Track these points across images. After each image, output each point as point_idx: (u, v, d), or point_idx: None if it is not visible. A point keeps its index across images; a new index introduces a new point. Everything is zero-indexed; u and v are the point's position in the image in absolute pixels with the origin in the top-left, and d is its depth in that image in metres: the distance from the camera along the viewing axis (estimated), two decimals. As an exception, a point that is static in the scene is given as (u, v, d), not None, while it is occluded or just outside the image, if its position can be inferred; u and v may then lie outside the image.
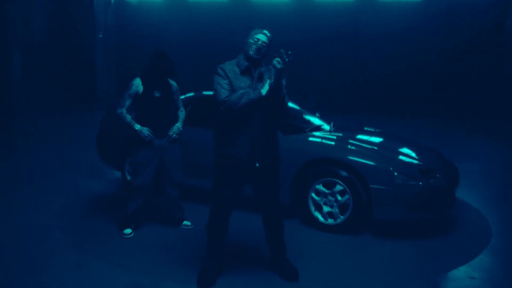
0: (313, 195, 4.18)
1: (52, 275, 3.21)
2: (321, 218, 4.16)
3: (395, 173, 3.91)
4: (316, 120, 5.30)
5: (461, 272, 3.39)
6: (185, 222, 4.22)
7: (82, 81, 15.18)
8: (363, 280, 3.24)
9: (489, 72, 15.51)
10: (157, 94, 3.91)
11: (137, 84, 3.89)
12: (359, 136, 4.89)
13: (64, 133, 10.14)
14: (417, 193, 3.90)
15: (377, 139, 4.89)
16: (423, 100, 16.74)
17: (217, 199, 3.10)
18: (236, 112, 2.89)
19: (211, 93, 5.24)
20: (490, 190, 5.90)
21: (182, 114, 4.20)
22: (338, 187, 4.05)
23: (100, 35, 16.26)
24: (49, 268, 3.32)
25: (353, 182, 3.98)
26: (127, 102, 3.92)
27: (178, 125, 4.06)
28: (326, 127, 5.12)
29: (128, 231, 3.96)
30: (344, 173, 4.02)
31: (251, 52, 2.98)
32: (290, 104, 5.22)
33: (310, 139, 4.64)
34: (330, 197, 4.11)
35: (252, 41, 2.98)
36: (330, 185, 4.10)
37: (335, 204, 4.09)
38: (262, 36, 3.00)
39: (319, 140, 4.66)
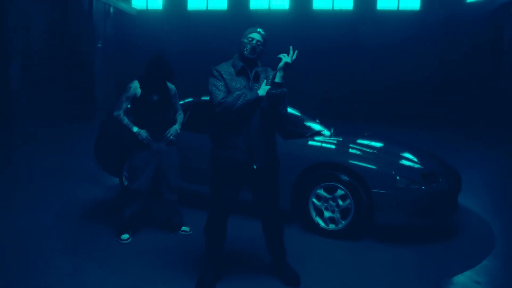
0: (314, 200, 4.12)
1: (48, 280, 3.13)
2: (322, 224, 4.09)
3: (397, 177, 3.85)
4: (316, 126, 5.26)
5: (465, 277, 3.31)
6: (184, 228, 4.14)
7: (81, 90, 15.17)
8: (365, 285, 3.17)
9: (487, 81, 15.55)
10: (155, 98, 3.86)
11: (135, 87, 3.84)
12: (360, 141, 4.85)
13: (63, 141, 10.08)
14: (419, 198, 3.84)
15: (378, 144, 4.85)
16: (421, 109, 16.78)
17: (214, 202, 3.03)
18: (232, 114, 2.83)
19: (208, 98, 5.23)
20: (492, 196, 5.85)
21: (180, 117, 4.14)
22: (339, 192, 3.99)
23: (99, 44, 16.29)
24: (45, 273, 3.24)
25: (355, 187, 3.92)
26: (124, 105, 3.87)
27: (176, 127, 4.00)
28: (327, 132, 5.07)
29: (125, 236, 3.88)
30: (345, 178, 3.96)
31: (246, 52, 2.91)
32: (291, 110, 5.22)
33: (311, 143, 4.59)
34: (331, 202, 4.05)
35: (246, 41, 2.92)
36: (331, 190, 4.04)
37: (336, 209, 4.03)
38: (256, 35, 2.93)
39: (319, 144, 4.61)
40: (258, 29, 2.95)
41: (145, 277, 3.21)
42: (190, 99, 5.30)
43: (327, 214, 4.07)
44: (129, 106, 3.93)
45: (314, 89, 17.04)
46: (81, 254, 3.58)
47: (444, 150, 8.65)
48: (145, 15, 19.07)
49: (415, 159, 4.35)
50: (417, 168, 4.12)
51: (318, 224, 4.10)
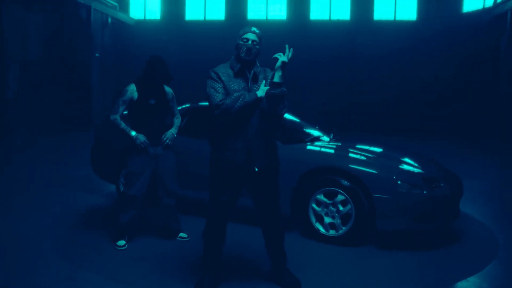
0: (314, 205, 4.05)
1: (43, 286, 3.06)
2: (322, 230, 4.02)
3: (399, 182, 3.79)
4: (315, 132, 5.20)
5: (469, 283, 3.24)
6: (181, 234, 4.06)
7: (78, 99, 15.11)
8: (368, 291, 3.10)
9: (485, 91, 15.59)
10: (152, 101, 3.80)
11: (132, 90, 3.78)
12: (359, 146, 4.79)
13: (59, 150, 10.02)
14: (421, 202, 3.78)
15: (377, 149, 4.80)
16: (419, 120, 16.78)
17: (213, 205, 2.97)
18: (231, 115, 2.78)
19: (207, 103, 5.18)
20: (493, 203, 5.80)
21: (177, 121, 4.08)
22: (340, 197, 3.92)
23: (97, 54, 16.29)
24: (40, 279, 3.17)
25: (355, 192, 3.85)
26: (121, 109, 3.81)
27: (172, 131, 3.93)
28: (326, 138, 5.02)
29: (121, 242, 3.79)
30: (345, 182, 3.90)
31: (242, 54, 2.87)
32: (290, 117, 5.17)
33: (310, 148, 4.54)
34: (331, 208, 3.98)
35: (242, 42, 2.88)
36: (331, 195, 3.98)
37: (336, 214, 3.96)
38: (251, 35, 2.88)
39: (319, 149, 4.56)
40: (253, 28, 2.91)
41: (141, 284, 3.13)
42: (187, 105, 5.25)
43: (327, 220, 4.00)
44: (125, 112, 3.87)
45: (311, 101, 17.01)
46: (76, 260, 3.50)
47: (442, 158, 8.60)
48: (143, 25, 19.11)
49: (415, 164, 4.29)
50: (418, 173, 4.07)
51: (318, 230, 4.03)
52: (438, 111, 16.75)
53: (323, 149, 4.56)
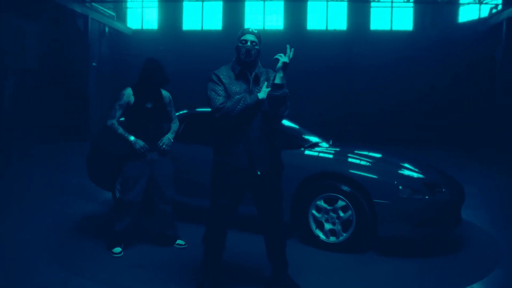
0: (314, 212, 3.98)
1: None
2: (322, 236, 3.94)
3: (400, 187, 3.73)
4: (314, 138, 5.15)
5: (474, 290, 3.18)
6: (179, 241, 3.98)
7: (75, 109, 15.06)
8: (371, 298, 3.02)
9: (480, 101, 15.64)
10: (149, 105, 3.74)
11: (128, 94, 3.72)
12: (359, 151, 4.72)
13: (56, 159, 9.93)
14: (423, 208, 3.71)
15: (376, 154, 4.75)
16: (415, 129, 16.79)
17: (214, 209, 2.90)
18: (232, 119, 2.72)
19: (204, 109, 5.14)
20: (494, 210, 5.75)
21: (174, 126, 3.99)
22: (340, 203, 3.86)
23: (94, 64, 16.27)
24: (33, 286, 3.08)
25: (356, 197, 3.79)
26: (118, 113, 3.74)
27: (169, 136, 3.85)
28: (325, 144, 4.97)
29: (117, 249, 3.71)
30: (346, 188, 3.83)
31: (242, 56, 2.83)
32: (289, 123, 5.13)
33: (310, 153, 4.48)
34: (332, 214, 3.91)
35: (241, 45, 2.83)
36: (331, 201, 3.91)
37: (337, 221, 3.89)
38: (249, 36, 2.83)
39: (318, 154, 4.50)
40: (250, 29, 2.87)
41: (138, 291, 3.04)
42: (185, 111, 5.20)
43: (327, 226, 3.93)
44: (121, 119, 3.80)
45: (308, 111, 17.00)
46: (71, 267, 3.41)
47: (440, 167, 8.58)
48: (140, 35, 19.15)
49: (416, 169, 4.23)
50: (419, 178, 4.01)
51: (318, 237, 3.95)
52: (435, 121, 16.79)
53: (322, 155, 4.50)
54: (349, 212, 3.82)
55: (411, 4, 17.35)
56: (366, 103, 17.48)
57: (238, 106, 2.70)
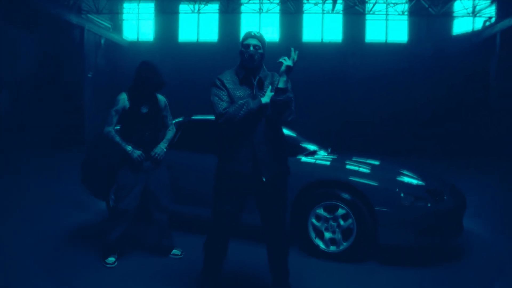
0: (314, 220, 3.88)
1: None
2: (322, 246, 3.84)
3: (402, 194, 3.65)
4: (312, 146, 5.09)
5: (479, 300, 3.08)
6: (174, 251, 3.86)
7: (71, 120, 14.96)
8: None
9: (476, 112, 15.70)
10: (144, 110, 3.64)
11: (124, 99, 3.63)
12: (358, 159, 4.65)
13: (50, 169, 9.77)
14: (425, 216, 3.62)
15: (375, 161, 4.67)
16: (412, 139, 16.80)
17: (216, 215, 2.80)
18: (235, 124, 2.65)
19: (200, 117, 5.07)
20: (495, 220, 5.65)
21: (169, 133, 3.86)
22: (341, 211, 3.76)
23: (89, 75, 16.21)
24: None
25: (357, 205, 3.70)
26: (115, 119, 3.64)
27: (162, 146, 3.72)
28: (323, 152, 4.90)
29: (111, 259, 3.58)
30: (346, 196, 3.75)
31: (245, 62, 2.77)
32: (286, 131, 5.04)
33: (309, 160, 4.40)
34: (332, 222, 3.81)
35: (244, 49, 2.76)
36: (331, 209, 3.82)
37: (337, 229, 3.79)
38: (252, 40, 2.76)
39: (318, 162, 4.42)
40: (253, 33, 2.80)
41: (132, 302, 2.93)
42: (180, 119, 5.12)
43: (327, 235, 3.83)
44: (117, 127, 3.70)
45: (305, 121, 17.00)
46: (62, 278, 3.29)
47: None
48: (136, 46, 19.14)
49: (417, 176, 4.16)
50: (421, 185, 3.92)
51: (318, 246, 3.85)
52: (431, 131, 16.82)
53: (322, 162, 4.42)
54: (350, 221, 3.72)
55: (406, 17, 17.48)
56: (363, 114, 17.50)
57: (241, 111, 2.63)
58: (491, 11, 15.81)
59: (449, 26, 17.51)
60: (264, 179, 2.69)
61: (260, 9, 17.73)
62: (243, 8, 18.09)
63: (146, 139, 3.65)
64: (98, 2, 15.97)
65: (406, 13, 16.51)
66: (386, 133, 17.19)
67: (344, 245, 3.76)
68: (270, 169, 2.73)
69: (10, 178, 8.30)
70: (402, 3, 16.65)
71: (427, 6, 15.60)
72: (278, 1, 17.46)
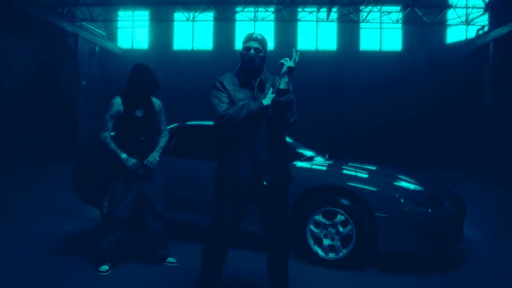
0: (312, 227, 3.80)
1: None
2: (321, 253, 3.76)
3: (402, 200, 3.59)
4: (309, 152, 5.02)
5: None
6: (170, 259, 3.76)
7: (64, 127, 14.82)
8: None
9: (470, 119, 15.76)
10: (139, 114, 3.56)
11: (118, 103, 3.54)
12: (356, 164, 4.58)
13: (43, 179, 9.62)
14: (426, 222, 3.56)
15: (373, 167, 4.61)
16: (407, 146, 16.82)
17: (216, 221, 2.72)
18: (236, 126, 2.58)
19: (195, 123, 5.01)
20: (492, 226, 5.60)
21: (163, 140, 3.76)
22: (340, 217, 3.69)
23: (83, 82, 16.12)
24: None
25: (356, 211, 3.63)
26: (110, 124, 3.55)
27: (155, 154, 3.63)
28: (320, 159, 4.84)
29: (104, 268, 3.48)
30: (345, 202, 3.68)
31: (245, 65, 2.72)
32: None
33: (306, 166, 4.32)
34: (330, 229, 3.74)
35: (245, 52, 2.71)
36: (330, 215, 3.74)
37: (336, 236, 3.71)
38: (253, 43, 2.71)
39: (316, 167, 4.35)
40: (254, 35, 2.74)
41: (126, 312, 2.82)
42: (175, 124, 5.05)
43: (326, 242, 3.75)
44: (111, 133, 3.62)
45: (300, 129, 17.00)
46: (55, 287, 3.17)
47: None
48: (130, 54, 19.09)
49: (415, 182, 4.09)
50: (421, 190, 3.86)
51: (316, 254, 3.77)
52: (425, 138, 16.86)
53: (320, 168, 4.36)
54: (349, 227, 3.65)
55: (400, 25, 17.61)
56: (358, 121, 17.53)
57: (242, 113, 2.56)
58: (484, 19, 15.95)
59: (443, 35, 17.65)
60: (265, 183, 2.62)
61: (255, 17, 17.77)
62: (238, 16, 18.13)
63: (141, 144, 3.57)
64: (92, 9, 15.93)
65: (400, 21, 16.61)
66: (381, 140, 17.21)
67: (344, 252, 3.68)
68: (271, 173, 2.65)
69: (1, 187, 8.16)
70: (396, 12, 16.76)
71: (421, 14, 15.71)
72: (273, 9, 17.51)
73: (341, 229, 3.69)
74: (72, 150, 14.63)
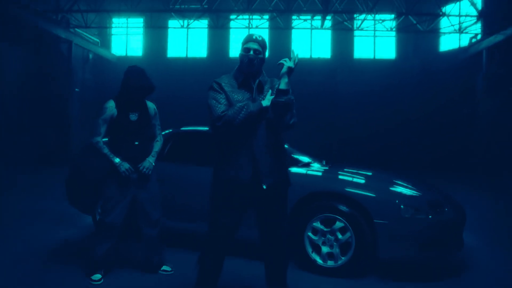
0: (310, 234, 3.73)
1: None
2: (319, 261, 3.68)
3: (402, 206, 3.52)
4: (305, 158, 4.96)
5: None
6: (164, 267, 3.66)
7: (57, 135, 14.66)
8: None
9: (463, 127, 15.80)
10: (133, 117, 3.48)
11: (111, 106, 3.46)
12: (353, 170, 4.51)
13: (35, 186, 9.46)
14: (427, 228, 3.49)
15: (368, 172, 4.54)
16: (401, 154, 16.82)
17: (213, 227, 2.63)
18: (234, 128, 2.51)
19: (189, 128, 4.93)
20: (491, 234, 5.55)
21: (157, 145, 3.68)
22: (338, 224, 3.62)
23: (76, 89, 15.99)
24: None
25: (355, 218, 3.56)
26: (103, 129, 3.47)
27: (150, 159, 3.55)
28: (317, 165, 4.77)
29: (97, 276, 3.38)
30: (344, 208, 3.61)
31: (244, 67, 2.66)
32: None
33: (304, 172, 4.26)
34: (329, 236, 3.66)
35: (244, 53, 2.66)
36: (328, 222, 3.67)
37: (335, 243, 3.64)
38: (252, 44, 2.66)
39: (313, 173, 4.29)
40: (254, 36, 2.70)
41: (119, 322, 2.72)
42: (169, 130, 4.97)
43: (325, 249, 3.68)
44: (104, 139, 3.53)
45: (295, 136, 16.95)
46: (43, 298, 3.07)
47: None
48: (124, 62, 18.95)
49: (415, 187, 4.03)
50: (421, 196, 3.80)
51: (315, 261, 3.69)
52: (419, 146, 16.88)
53: (317, 173, 4.29)
54: (348, 234, 3.58)
55: (394, 33, 17.68)
56: (352, 129, 17.52)
57: (241, 114, 2.50)
58: (477, 28, 16.05)
59: (436, 43, 17.74)
60: (264, 187, 2.55)
61: (249, 24, 17.77)
62: (232, 23, 18.12)
63: (135, 149, 3.49)
64: (86, 16, 15.84)
65: (394, 29, 16.69)
66: (375, 148, 17.18)
67: (343, 259, 3.61)
68: (271, 176, 2.58)
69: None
70: (390, 20, 16.84)
71: (415, 22, 15.79)
72: (267, 17, 17.53)
73: (340, 236, 3.61)
74: (64, 157, 14.46)
